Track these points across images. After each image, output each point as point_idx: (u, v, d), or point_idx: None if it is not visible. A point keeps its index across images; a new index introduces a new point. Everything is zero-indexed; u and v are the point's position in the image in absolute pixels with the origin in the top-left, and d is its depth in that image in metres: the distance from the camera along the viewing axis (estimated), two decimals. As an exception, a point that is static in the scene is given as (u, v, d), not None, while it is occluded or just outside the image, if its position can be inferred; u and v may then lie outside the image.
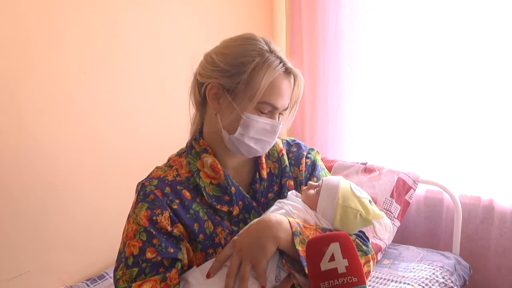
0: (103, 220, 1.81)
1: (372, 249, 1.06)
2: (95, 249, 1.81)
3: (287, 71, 1.02)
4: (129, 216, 1.00)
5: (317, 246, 0.89)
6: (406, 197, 2.14)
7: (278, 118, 1.04)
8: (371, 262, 1.03)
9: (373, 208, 1.01)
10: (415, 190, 2.16)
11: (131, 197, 1.03)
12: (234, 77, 0.99)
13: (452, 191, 2.12)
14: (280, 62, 1.01)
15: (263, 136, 1.02)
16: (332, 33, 2.40)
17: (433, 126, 2.23)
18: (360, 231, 1.07)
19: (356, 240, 1.02)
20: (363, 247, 1.02)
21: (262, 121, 1.00)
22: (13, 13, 1.50)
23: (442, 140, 2.21)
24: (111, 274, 1.77)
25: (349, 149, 2.47)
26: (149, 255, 0.94)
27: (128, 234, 0.97)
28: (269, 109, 1.01)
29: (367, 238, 1.07)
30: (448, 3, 2.10)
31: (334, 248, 0.88)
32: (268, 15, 2.60)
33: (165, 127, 2.04)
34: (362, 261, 0.98)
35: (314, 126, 2.55)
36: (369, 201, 1.02)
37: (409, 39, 2.22)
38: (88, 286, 1.72)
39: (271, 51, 1.01)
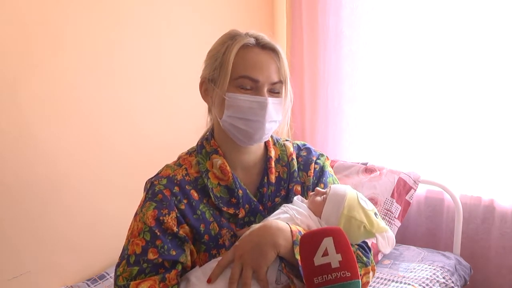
0: (104, 220, 1.81)
1: (373, 261, 1.06)
2: (96, 249, 1.81)
3: (261, 45, 1.01)
4: (136, 213, 1.00)
5: (310, 241, 0.89)
6: (407, 197, 2.14)
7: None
8: (371, 274, 1.03)
9: (378, 221, 1.00)
10: (415, 190, 2.16)
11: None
12: (212, 66, 1.01)
13: (453, 191, 2.12)
14: (252, 38, 1.01)
15: (252, 115, 0.99)
16: (333, 33, 2.40)
17: (434, 126, 2.23)
18: (363, 242, 1.06)
19: (357, 251, 1.03)
20: (364, 258, 1.02)
21: (245, 99, 0.98)
22: (14, 13, 1.50)
23: (443, 140, 2.21)
24: (112, 274, 1.77)
25: (349, 149, 2.47)
26: (151, 255, 0.94)
27: (133, 232, 0.98)
28: (251, 84, 0.99)
29: (369, 249, 1.07)
30: (449, 3, 2.10)
31: (328, 242, 0.87)
32: (268, 16, 2.60)
33: (166, 127, 2.04)
34: (361, 272, 0.99)
35: (314, 126, 2.54)
36: (375, 213, 1.02)
37: (410, 39, 2.22)
38: (89, 286, 1.72)
39: (246, 35, 1.02)
